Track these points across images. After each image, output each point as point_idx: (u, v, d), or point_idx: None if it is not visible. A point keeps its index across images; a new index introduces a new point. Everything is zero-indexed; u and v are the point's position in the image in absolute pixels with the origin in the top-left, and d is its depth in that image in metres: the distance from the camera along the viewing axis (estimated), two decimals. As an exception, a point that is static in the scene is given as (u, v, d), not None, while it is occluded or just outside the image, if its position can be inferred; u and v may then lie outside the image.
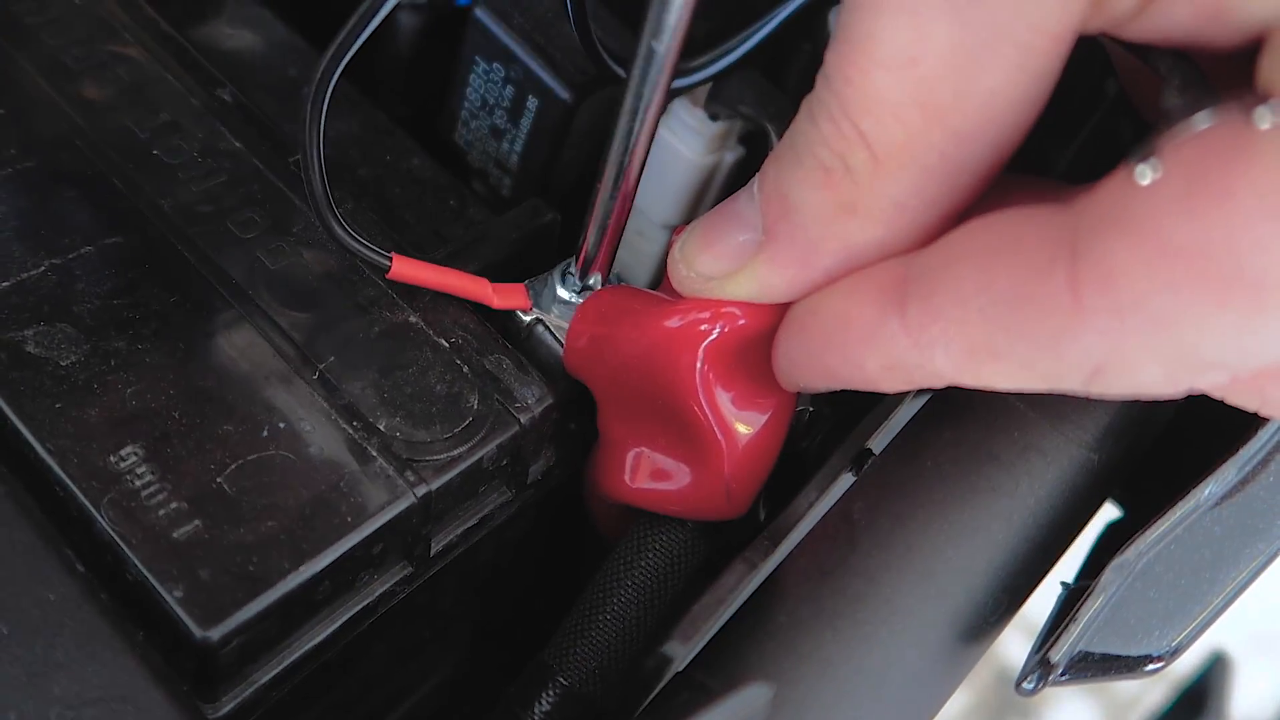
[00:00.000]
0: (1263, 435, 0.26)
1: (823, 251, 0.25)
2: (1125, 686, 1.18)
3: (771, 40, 0.39)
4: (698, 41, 0.37)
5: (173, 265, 0.30)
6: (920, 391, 0.29)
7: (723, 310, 0.27)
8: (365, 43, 0.43)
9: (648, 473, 0.32)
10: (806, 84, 0.39)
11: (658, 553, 0.31)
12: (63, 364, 0.27)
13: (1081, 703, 1.19)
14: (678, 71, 0.28)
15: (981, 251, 0.22)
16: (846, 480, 0.29)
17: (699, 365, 0.28)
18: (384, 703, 0.38)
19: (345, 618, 0.28)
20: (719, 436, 0.29)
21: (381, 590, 0.29)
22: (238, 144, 0.33)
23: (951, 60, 0.21)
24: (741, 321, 0.27)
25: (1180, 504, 0.25)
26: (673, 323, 0.28)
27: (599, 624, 0.31)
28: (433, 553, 0.30)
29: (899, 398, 0.30)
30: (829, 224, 0.24)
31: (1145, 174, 0.18)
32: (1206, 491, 0.25)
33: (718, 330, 0.27)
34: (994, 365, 0.22)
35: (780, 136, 0.36)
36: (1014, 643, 1.05)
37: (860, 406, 0.31)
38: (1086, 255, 0.20)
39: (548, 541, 0.37)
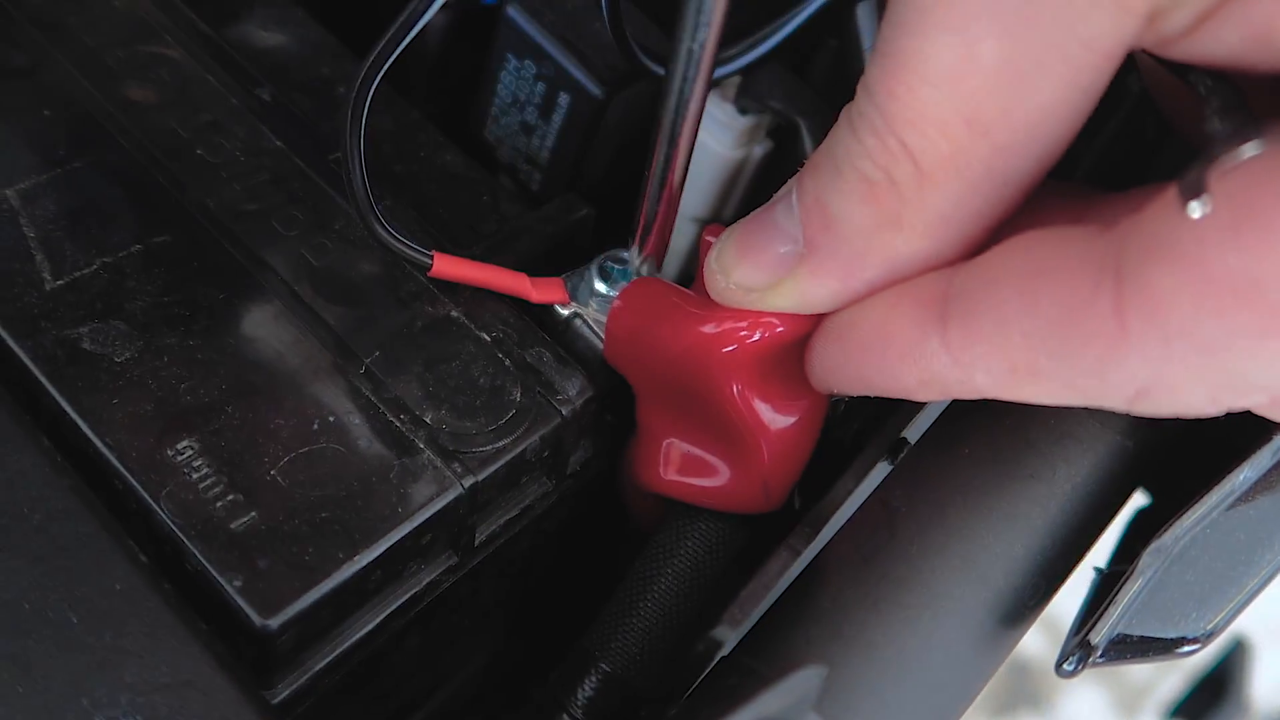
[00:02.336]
0: (1296, 422, 0.27)
1: (866, 264, 0.25)
2: (1138, 673, 1.18)
3: (798, 35, 0.40)
4: (727, 33, 0.37)
5: (219, 262, 0.31)
6: None
7: (761, 320, 0.28)
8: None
9: (684, 466, 0.32)
10: (833, 79, 0.40)
11: (697, 541, 0.32)
12: (117, 360, 0.28)
13: (1093, 690, 1.20)
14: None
15: (1024, 273, 0.22)
16: (883, 469, 0.30)
17: (736, 371, 0.29)
18: (422, 690, 0.39)
19: (393, 606, 0.29)
20: (756, 438, 0.30)
21: (428, 579, 0.30)
22: (278, 142, 0.34)
23: (1000, 77, 0.21)
24: (779, 329, 0.28)
25: (1216, 489, 0.26)
26: (709, 329, 0.28)
27: (640, 611, 0.31)
28: (476, 543, 0.31)
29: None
30: (873, 237, 0.24)
31: (1196, 209, 0.19)
32: (1241, 476, 0.26)
33: (756, 337, 0.28)
34: (1035, 385, 0.22)
35: (811, 132, 0.37)
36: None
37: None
38: (1133, 282, 0.20)
39: (583, 532, 0.38)
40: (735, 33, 0.37)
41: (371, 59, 0.28)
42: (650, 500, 0.34)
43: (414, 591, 0.29)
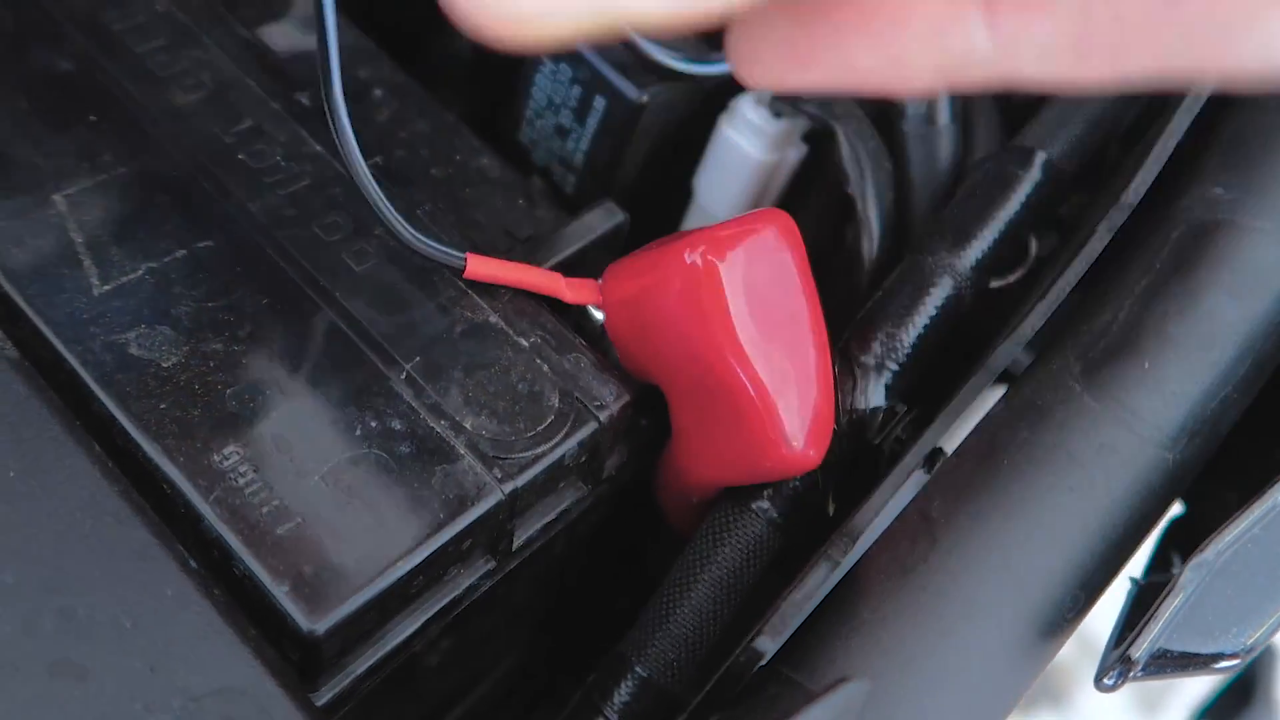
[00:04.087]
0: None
1: None
2: (1160, 673, 1.18)
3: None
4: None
5: (263, 268, 0.31)
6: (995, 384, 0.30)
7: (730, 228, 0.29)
8: (431, 41, 0.44)
9: (708, 452, 0.32)
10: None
11: (733, 547, 0.32)
12: (164, 365, 0.28)
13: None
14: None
15: None
16: (919, 478, 0.30)
17: (725, 305, 0.29)
18: (457, 688, 0.39)
19: (433, 610, 0.29)
20: (759, 375, 0.29)
21: (467, 584, 0.30)
22: (318, 147, 0.34)
23: None
24: (756, 230, 0.29)
25: (1258, 503, 0.26)
26: (691, 255, 0.29)
27: (677, 617, 0.32)
28: (514, 547, 0.31)
29: (971, 396, 0.30)
30: None
31: None
32: (1284, 492, 0.26)
33: (736, 249, 0.29)
34: (1108, 60, 0.17)
35: (848, 137, 0.37)
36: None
37: (933, 404, 0.32)
38: None
39: (616, 533, 0.38)
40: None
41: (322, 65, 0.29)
42: (686, 503, 0.35)
43: (454, 595, 0.30)
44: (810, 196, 0.42)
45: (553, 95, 0.41)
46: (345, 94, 0.29)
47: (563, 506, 0.32)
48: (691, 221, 0.44)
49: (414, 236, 0.30)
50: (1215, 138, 0.31)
